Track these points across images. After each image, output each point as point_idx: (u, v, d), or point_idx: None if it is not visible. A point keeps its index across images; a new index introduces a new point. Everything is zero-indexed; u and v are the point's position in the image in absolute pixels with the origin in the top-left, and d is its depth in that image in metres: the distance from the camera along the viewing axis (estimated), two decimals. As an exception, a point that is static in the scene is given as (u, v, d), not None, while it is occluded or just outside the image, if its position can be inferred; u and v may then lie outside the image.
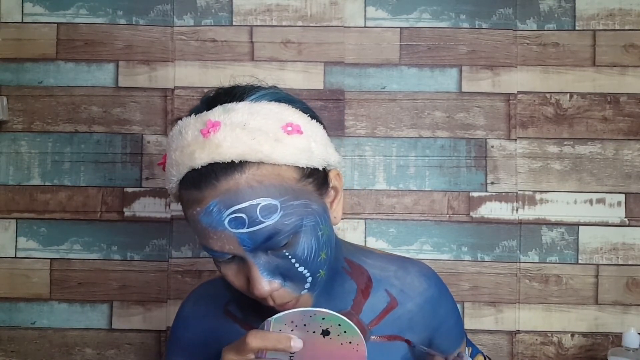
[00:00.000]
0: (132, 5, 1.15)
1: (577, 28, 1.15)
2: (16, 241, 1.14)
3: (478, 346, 0.95)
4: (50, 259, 1.14)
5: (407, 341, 0.68)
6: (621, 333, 1.02)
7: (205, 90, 1.16)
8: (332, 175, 0.64)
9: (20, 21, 1.15)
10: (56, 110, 1.15)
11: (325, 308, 0.70)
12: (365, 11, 1.15)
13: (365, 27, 1.15)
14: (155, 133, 1.15)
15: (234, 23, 1.16)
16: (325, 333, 0.53)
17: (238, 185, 0.54)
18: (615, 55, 1.14)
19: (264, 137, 0.56)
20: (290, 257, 0.57)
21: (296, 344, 0.52)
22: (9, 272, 1.14)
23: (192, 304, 0.76)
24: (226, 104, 0.59)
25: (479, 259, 1.14)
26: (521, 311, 1.13)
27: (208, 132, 0.56)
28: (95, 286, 1.14)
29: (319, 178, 0.61)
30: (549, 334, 1.13)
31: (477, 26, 1.15)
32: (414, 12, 1.15)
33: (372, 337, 0.68)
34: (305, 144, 0.58)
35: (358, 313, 0.68)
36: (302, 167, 0.58)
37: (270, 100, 0.60)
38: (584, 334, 1.13)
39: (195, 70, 1.15)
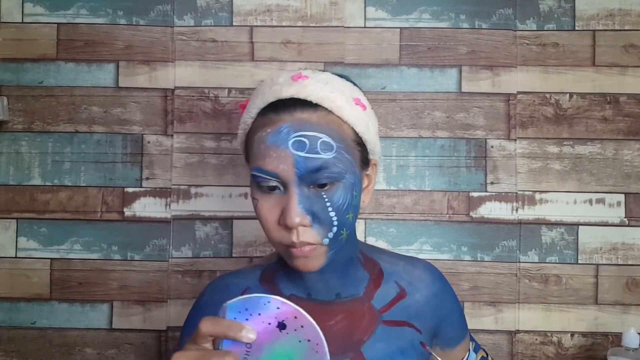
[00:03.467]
0: (133, 6, 1.15)
1: (576, 28, 1.15)
2: (16, 241, 1.14)
3: (478, 346, 0.95)
4: (51, 258, 1.14)
5: (422, 344, 0.73)
6: (621, 333, 1.02)
7: (205, 90, 1.16)
8: (372, 162, 0.73)
9: (21, 21, 1.15)
10: (56, 111, 1.15)
11: (340, 292, 0.73)
12: (365, 11, 1.16)
13: (365, 27, 1.16)
14: (155, 133, 1.15)
15: (234, 23, 1.16)
16: (282, 327, 0.52)
17: (310, 119, 0.65)
18: (615, 55, 1.14)
19: (340, 95, 0.67)
20: (326, 199, 0.64)
21: (248, 334, 0.51)
22: (10, 272, 1.14)
23: (210, 292, 0.78)
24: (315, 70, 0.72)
25: (478, 259, 1.14)
26: (521, 311, 1.13)
27: (298, 78, 0.68)
28: (95, 286, 1.14)
29: (363, 154, 0.70)
30: (549, 334, 1.14)
31: (477, 26, 1.15)
32: (413, 12, 1.16)
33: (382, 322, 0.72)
34: (366, 119, 0.69)
35: (370, 300, 0.73)
36: (357, 133, 0.68)
37: (348, 81, 0.72)
38: (584, 334, 1.13)
39: (196, 70, 1.15)
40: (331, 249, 0.67)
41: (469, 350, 0.82)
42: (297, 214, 0.63)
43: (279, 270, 0.76)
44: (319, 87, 0.67)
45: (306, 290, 0.73)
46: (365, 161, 0.71)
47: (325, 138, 0.64)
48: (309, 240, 0.64)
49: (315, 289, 0.73)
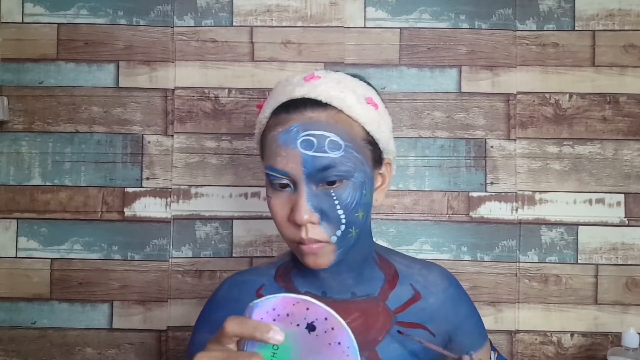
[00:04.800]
0: (133, 6, 1.16)
1: (576, 28, 1.15)
2: (17, 241, 1.15)
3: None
4: (51, 258, 1.14)
5: (400, 332, 0.72)
6: (620, 333, 1.02)
7: (206, 90, 1.16)
8: (385, 161, 0.73)
9: (21, 21, 1.15)
10: (57, 111, 1.15)
11: (355, 290, 0.73)
12: (365, 12, 1.16)
13: (365, 27, 1.16)
14: (155, 133, 1.15)
15: (234, 23, 1.16)
16: (311, 328, 0.48)
17: (320, 118, 0.66)
18: (614, 55, 1.14)
19: (351, 94, 0.69)
20: (334, 197, 0.65)
21: (276, 335, 0.47)
22: (10, 272, 1.14)
23: (227, 288, 0.78)
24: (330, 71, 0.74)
25: (478, 259, 1.14)
26: (521, 311, 1.14)
27: (310, 78, 0.70)
28: (95, 286, 1.14)
29: (376, 153, 0.71)
30: (549, 334, 1.14)
31: (476, 26, 1.15)
32: (413, 12, 1.16)
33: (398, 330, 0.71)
34: (377, 118, 0.70)
35: (384, 300, 0.74)
36: (368, 132, 0.69)
37: (361, 81, 0.74)
38: (584, 334, 1.13)
39: (196, 70, 1.15)
40: (339, 247, 0.67)
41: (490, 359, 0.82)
42: (306, 211, 0.64)
43: (294, 268, 0.76)
44: (330, 86, 0.68)
45: (321, 288, 0.73)
46: (378, 160, 0.72)
47: (333, 137, 0.65)
48: (317, 238, 0.65)
49: (330, 287, 0.73)
